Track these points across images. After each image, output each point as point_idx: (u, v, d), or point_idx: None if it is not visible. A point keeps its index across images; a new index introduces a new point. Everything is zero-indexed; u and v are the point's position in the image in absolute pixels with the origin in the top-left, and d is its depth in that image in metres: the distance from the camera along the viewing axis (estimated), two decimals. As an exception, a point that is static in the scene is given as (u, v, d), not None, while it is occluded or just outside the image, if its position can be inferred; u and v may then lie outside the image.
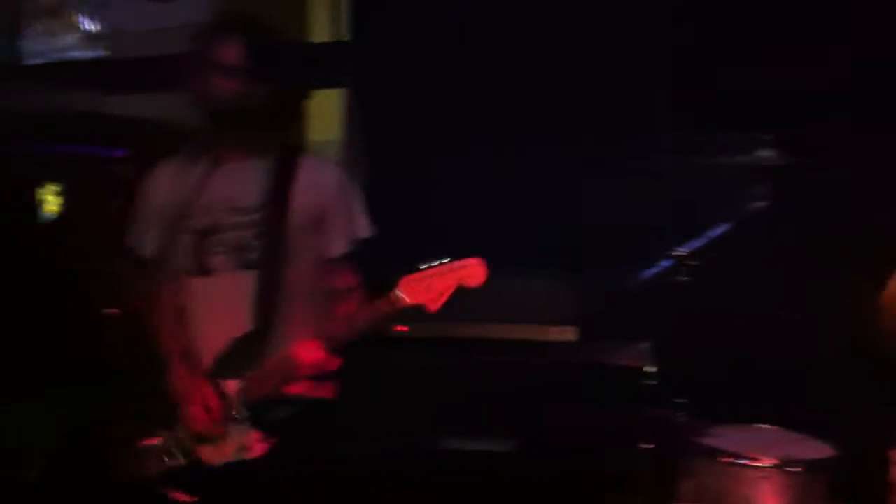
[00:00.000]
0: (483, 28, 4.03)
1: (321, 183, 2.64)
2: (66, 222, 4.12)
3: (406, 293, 2.38)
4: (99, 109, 4.42)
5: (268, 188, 2.59)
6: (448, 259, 2.38)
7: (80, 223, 4.05)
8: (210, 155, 2.50)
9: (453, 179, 3.99)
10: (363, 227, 2.71)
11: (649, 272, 3.17)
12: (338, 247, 2.67)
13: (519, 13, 4.00)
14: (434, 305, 2.37)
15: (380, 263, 2.59)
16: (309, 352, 2.45)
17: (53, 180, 4.14)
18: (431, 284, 2.36)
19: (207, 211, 2.58)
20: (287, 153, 2.66)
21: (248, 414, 2.52)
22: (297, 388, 2.54)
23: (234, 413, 2.52)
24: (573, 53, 3.93)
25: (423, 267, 2.38)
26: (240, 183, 2.60)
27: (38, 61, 4.97)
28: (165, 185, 2.61)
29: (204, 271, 2.59)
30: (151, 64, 4.18)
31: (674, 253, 3.07)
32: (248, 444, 2.51)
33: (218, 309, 2.58)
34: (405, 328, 3.74)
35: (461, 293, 2.39)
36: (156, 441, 2.58)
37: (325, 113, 4.49)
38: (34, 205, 4.20)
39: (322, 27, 4.68)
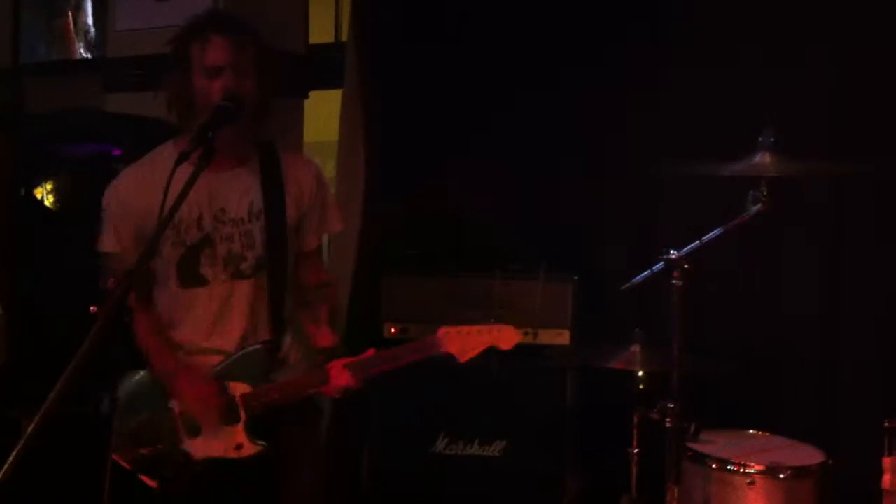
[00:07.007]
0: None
1: (303, 184, 2.68)
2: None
3: (443, 342, 2.54)
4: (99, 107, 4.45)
5: (261, 198, 2.61)
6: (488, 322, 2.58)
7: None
8: (191, 159, 2.25)
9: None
10: (336, 221, 2.78)
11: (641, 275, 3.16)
12: (312, 241, 2.73)
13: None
14: (463, 358, 2.55)
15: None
16: (341, 378, 2.56)
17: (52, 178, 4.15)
18: (467, 340, 2.54)
19: (198, 225, 2.58)
20: (268, 155, 2.66)
21: (250, 418, 2.57)
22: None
23: (239, 414, 2.57)
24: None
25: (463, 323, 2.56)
26: (228, 193, 2.60)
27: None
28: (141, 189, 2.58)
29: (198, 283, 2.61)
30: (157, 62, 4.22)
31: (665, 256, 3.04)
32: (243, 443, 2.57)
33: (209, 317, 2.62)
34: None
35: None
36: (142, 423, 2.63)
37: (324, 114, 4.52)
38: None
39: (322, 28, 4.70)
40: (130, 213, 2.61)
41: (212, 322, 2.63)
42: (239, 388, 2.58)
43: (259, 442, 2.57)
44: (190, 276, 2.61)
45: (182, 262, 2.60)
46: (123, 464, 2.63)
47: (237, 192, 2.61)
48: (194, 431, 2.59)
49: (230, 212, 2.59)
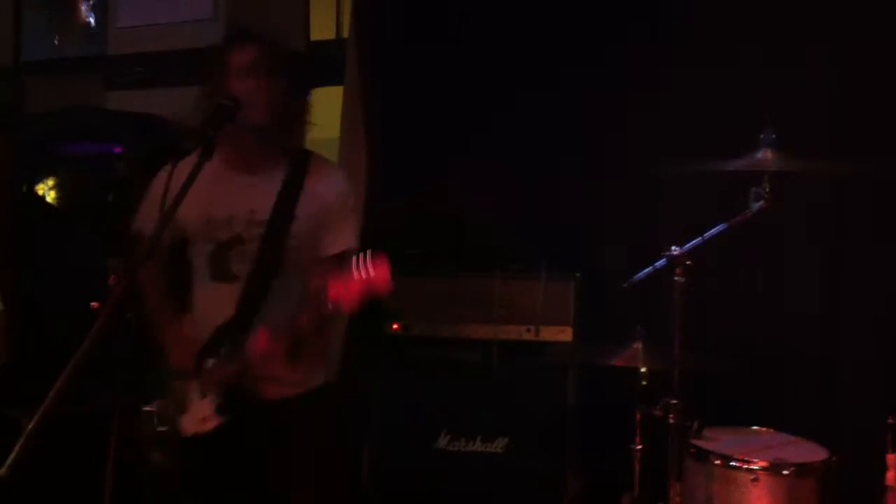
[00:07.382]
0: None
1: (318, 195, 2.72)
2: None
3: (329, 292, 2.35)
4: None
5: (280, 200, 2.69)
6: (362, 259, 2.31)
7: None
8: (226, 160, 2.57)
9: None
10: (348, 239, 2.75)
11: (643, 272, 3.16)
12: (323, 250, 2.73)
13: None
14: (348, 307, 2.32)
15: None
16: (259, 343, 2.54)
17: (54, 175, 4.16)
18: (347, 285, 2.31)
19: (230, 224, 2.69)
20: (299, 161, 2.74)
21: (211, 391, 2.62)
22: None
23: (201, 388, 2.63)
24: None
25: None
26: (259, 196, 2.70)
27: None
28: (156, 183, 2.68)
29: (227, 278, 2.70)
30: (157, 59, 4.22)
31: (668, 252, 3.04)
32: (208, 416, 2.62)
33: (236, 311, 2.68)
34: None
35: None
36: (151, 408, 2.69)
37: (325, 110, 4.51)
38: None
39: (324, 25, 4.71)
40: (149, 203, 2.76)
41: (240, 315, 2.68)
42: (209, 363, 2.65)
43: (221, 416, 2.60)
44: (220, 272, 2.72)
45: (213, 257, 2.72)
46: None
47: (268, 195, 2.70)
48: (182, 408, 2.66)
49: (260, 213, 2.69)
